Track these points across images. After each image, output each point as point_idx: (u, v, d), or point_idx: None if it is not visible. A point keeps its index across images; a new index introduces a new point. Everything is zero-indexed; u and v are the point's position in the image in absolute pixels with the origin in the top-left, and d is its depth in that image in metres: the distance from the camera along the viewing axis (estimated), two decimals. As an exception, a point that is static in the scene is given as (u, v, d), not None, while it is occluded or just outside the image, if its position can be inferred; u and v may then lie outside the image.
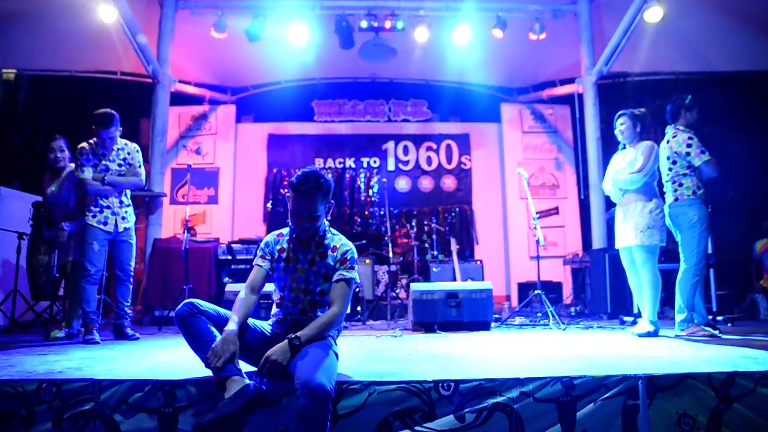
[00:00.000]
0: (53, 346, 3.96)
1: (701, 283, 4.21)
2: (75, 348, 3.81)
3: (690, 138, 4.26)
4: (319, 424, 1.97)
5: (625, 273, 4.52)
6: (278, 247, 2.58)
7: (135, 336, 4.48)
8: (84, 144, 4.46)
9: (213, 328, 2.34)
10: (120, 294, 4.57)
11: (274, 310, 2.64)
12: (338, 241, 2.56)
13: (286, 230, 2.64)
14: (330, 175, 2.48)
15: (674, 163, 4.31)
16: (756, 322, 6.20)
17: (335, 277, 2.48)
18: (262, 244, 2.62)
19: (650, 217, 4.18)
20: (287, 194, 2.50)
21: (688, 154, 4.23)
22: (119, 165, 4.54)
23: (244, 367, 2.35)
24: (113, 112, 4.48)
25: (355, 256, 2.57)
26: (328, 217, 2.60)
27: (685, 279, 4.16)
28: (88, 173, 4.39)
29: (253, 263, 2.58)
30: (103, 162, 4.47)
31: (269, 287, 2.60)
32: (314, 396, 1.96)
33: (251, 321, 2.51)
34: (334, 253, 2.53)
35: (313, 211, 2.44)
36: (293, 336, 2.21)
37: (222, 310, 2.46)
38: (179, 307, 2.35)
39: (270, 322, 2.62)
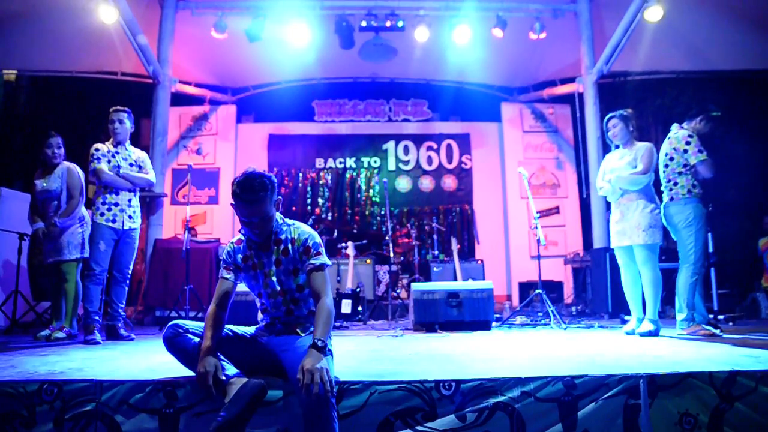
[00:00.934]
0: (54, 346, 3.96)
1: (701, 282, 4.20)
2: (76, 348, 3.81)
3: (690, 136, 4.27)
4: (327, 425, 1.97)
5: (626, 272, 4.52)
6: (240, 255, 2.49)
7: (130, 337, 4.48)
8: (99, 144, 4.60)
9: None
10: (115, 295, 4.57)
11: (260, 316, 2.61)
12: (294, 232, 2.47)
13: (242, 235, 2.52)
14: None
15: (671, 160, 4.32)
16: (757, 321, 6.20)
17: (306, 268, 2.40)
18: (223, 255, 2.52)
19: (651, 217, 4.20)
20: (231, 203, 2.38)
21: (685, 151, 4.24)
22: (131, 165, 4.66)
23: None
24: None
25: (317, 240, 2.47)
26: (280, 210, 2.52)
27: (684, 278, 4.16)
28: (104, 165, 4.48)
29: (219, 275, 2.50)
30: (117, 159, 4.57)
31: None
32: (318, 398, 1.95)
33: (229, 327, 2.47)
34: (295, 245, 2.44)
35: (265, 214, 2.36)
36: (315, 340, 2.12)
37: None
38: (164, 330, 2.34)
39: (256, 326, 2.58)
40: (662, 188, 4.41)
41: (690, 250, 4.15)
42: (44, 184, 4.57)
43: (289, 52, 8.38)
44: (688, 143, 4.24)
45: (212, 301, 2.42)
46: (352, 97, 10.33)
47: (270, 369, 2.36)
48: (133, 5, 7.18)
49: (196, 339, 2.30)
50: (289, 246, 2.45)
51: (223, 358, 2.27)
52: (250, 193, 2.30)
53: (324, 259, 2.43)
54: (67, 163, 4.69)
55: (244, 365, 2.35)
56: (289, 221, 2.54)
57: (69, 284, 4.47)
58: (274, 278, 2.47)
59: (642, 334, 4.14)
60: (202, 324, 2.39)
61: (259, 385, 2.14)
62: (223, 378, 2.15)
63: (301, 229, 2.49)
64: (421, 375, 2.35)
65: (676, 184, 4.27)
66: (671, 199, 4.29)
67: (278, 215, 2.49)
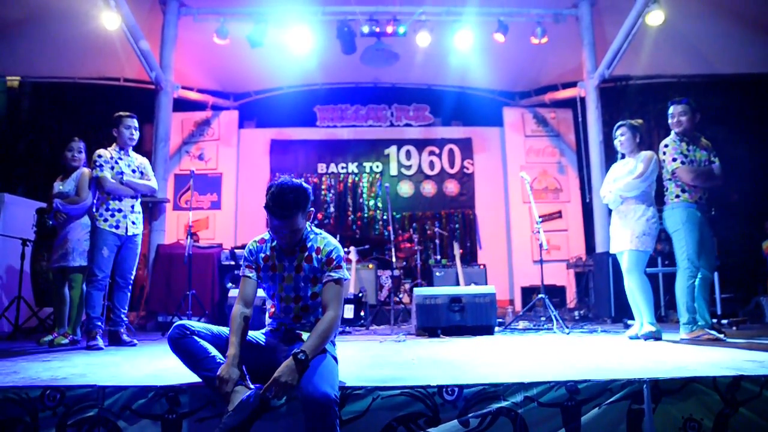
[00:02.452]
0: (57, 352, 3.96)
1: (704, 286, 4.19)
2: (78, 354, 3.81)
3: (666, 145, 4.29)
4: (329, 431, 1.96)
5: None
6: (262, 255, 2.49)
7: (132, 342, 4.48)
8: (102, 150, 4.60)
9: (207, 345, 2.28)
10: (117, 300, 4.57)
11: (268, 320, 2.60)
12: (321, 242, 2.47)
13: (267, 235, 2.53)
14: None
15: (661, 168, 4.35)
16: (761, 326, 6.17)
17: (324, 279, 2.41)
18: (245, 253, 2.52)
19: (647, 225, 4.27)
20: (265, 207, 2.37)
21: (663, 161, 4.26)
22: (133, 171, 4.66)
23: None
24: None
25: (341, 253, 2.47)
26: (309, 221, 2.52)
27: (680, 282, 4.18)
28: (107, 172, 4.48)
29: (241, 275, 2.50)
30: (120, 166, 4.58)
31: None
32: (320, 406, 1.95)
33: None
34: (319, 255, 2.44)
35: (295, 226, 2.36)
36: (298, 351, 2.12)
37: (215, 328, 2.40)
38: (170, 330, 2.30)
39: (264, 331, 2.58)
40: None
41: (682, 254, 4.17)
42: (60, 187, 4.68)
43: (291, 58, 8.40)
44: (664, 153, 4.27)
45: (237, 302, 2.41)
46: (354, 102, 10.35)
47: None
48: (135, 11, 7.20)
49: (203, 342, 2.28)
50: (314, 254, 2.46)
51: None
52: (283, 209, 2.30)
53: (344, 273, 2.44)
54: (84, 168, 4.75)
55: (251, 370, 2.34)
56: (317, 230, 2.55)
57: (74, 291, 4.50)
58: (291, 283, 2.47)
59: (645, 336, 4.17)
60: (208, 326, 2.39)
61: (260, 397, 2.13)
62: (252, 388, 2.15)
63: (328, 240, 2.50)
64: (423, 380, 2.34)
65: (667, 189, 4.33)
66: (664, 204, 4.35)
67: (307, 223, 2.50)
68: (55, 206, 4.59)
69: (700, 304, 4.16)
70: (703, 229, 4.17)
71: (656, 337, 4.17)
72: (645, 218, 4.27)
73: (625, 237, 4.33)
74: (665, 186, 4.34)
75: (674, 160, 4.19)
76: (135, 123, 4.66)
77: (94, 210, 4.53)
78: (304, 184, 2.39)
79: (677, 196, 4.22)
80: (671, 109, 4.34)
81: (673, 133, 4.33)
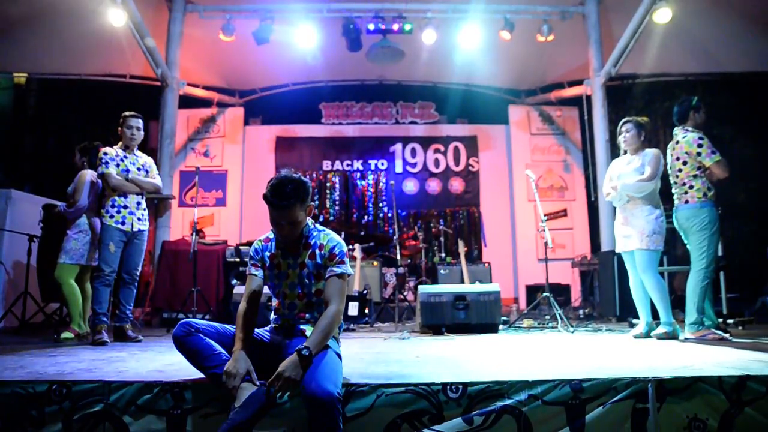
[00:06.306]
0: (63, 347, 3.99)
1: (710, 286, 4.18)
2: (84, 349, 3.83)
3: (701, 138, 4.20)
4: (332, 427, 1.97)
5: (634, 275, 4.50)
6: (268, 253, 2.52)
7: (138, 338, 4.50)
8: (107, 148, 4.63)
9: (212, 342, 2.29)
10: (123, 297, 4.60)
11: (272, 316, 2.62)
12: (324, 238, 2.49)
13: (272, 234, 2.56)
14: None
15: (684, 164, 4.25)
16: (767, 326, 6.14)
17: (327, 274, 2.43)
18: (251, 252, 2.55)
19: (656, 223, 4.21)
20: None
21: (699, 154, 4.17)
22: (138, 169, 4.68)
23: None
24: None
25: (344, 249, 2.48)
26: (311, 217, 2.54)
27: (695, 282, 4.12)
28: (112, 169, 4.51)
29: (247, 273, 2.53)
30: (125, 164, 4.61)
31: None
32: (323, 403, 1.95)
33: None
34: (322, 251, 2.47)
35: (294, 219, 2.37)
36: (302, 347, 2.13)
37: (219, 325, 2.42)
38: (175, 328, 2.31)
39: (268, 327, 2.60)
40: (673, 192, 4.37)
41: (702, 254, 4.10)
42: (70, 194, 4.80)
43: (297, 55, 8.41)
44: (700, 146, 4.17)
45: (243, 299, 2.43)
46: (360, 100, 10.37)
47: None
48: (141, 8, 7.23)
49: (208, 339, 2.30)
50: (317, 251, 2.48)
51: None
52: (281, 199, 2.31)
53: (346, 268, 2.45)
54: (83, 171, 4.78)
55: (257, 367, 2.34)
56: (320, 227, 2.56)
57: (63, 287, 4.60)
58: (295, 280, 2.49)
59: (659, 337, 4.14)
60: (213, 323, 2.41)
61: (266, 393, 2.13)
62: (258, 385, 2.16)
63: (331, 237, 2.51)
64: (428, 377, 2.34)
65: (691, 187, 4.19)
66: (686, 202, 4.22)
67: (310, 220, 2.51)
68: (62, 210, 4.75)
69: (706, 303, 4.15)
70: None
71: (672, 337, 4.14)
72: (653, 217, 4.21)
73: (633, 236, 4.27)
74: (684, 182, 4.24)
75: (714, 152, 4.11)
76: (138, 123, 4.65)
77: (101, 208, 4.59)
78: (303, 178, 2.40)
79: (704, 194, 4.14)
80: (698, 103, 4.34)
81: (691, 127, 4.29)
